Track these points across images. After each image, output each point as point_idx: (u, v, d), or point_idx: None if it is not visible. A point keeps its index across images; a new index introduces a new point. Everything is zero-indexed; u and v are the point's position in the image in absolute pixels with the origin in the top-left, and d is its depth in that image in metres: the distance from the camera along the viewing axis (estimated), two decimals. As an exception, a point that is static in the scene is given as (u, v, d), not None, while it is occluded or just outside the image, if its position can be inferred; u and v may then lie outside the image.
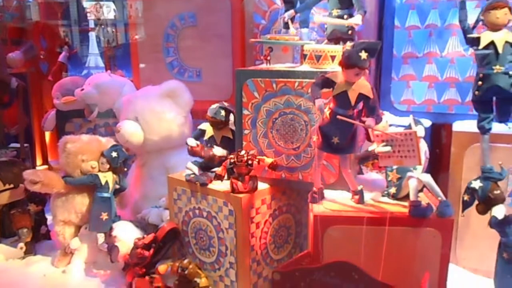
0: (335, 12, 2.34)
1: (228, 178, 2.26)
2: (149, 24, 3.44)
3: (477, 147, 2.40)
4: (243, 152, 2.23)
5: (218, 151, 2.42)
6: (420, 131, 1.96)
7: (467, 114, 2.64)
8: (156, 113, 2.92)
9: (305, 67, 2.24)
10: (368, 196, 2.13)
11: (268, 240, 2.35)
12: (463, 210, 2.10)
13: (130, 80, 3.56)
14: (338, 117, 1.85)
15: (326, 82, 1.89)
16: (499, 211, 1.95)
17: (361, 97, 1.86)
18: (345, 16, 2.33)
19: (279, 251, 2.44)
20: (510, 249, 1.94)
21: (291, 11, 2.44)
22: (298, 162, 2.25)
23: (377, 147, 1.93)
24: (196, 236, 2.43)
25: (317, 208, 2.04)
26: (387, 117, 2.25)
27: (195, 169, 2.39)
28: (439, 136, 2.72)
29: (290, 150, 2.26)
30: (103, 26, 4.18)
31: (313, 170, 2.11)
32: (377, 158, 1.98)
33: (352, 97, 1.85)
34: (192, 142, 2.42)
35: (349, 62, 1.81)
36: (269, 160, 2.23)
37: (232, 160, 2.23)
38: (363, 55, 1.78)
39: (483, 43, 2.07)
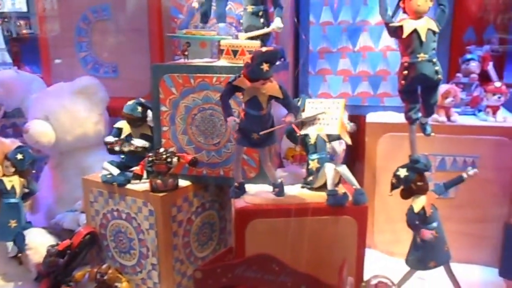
0: (250, 8, 2.33)
1: (148, 177, 2.20)
2: (59, 17, 3.23)
3: (389, 136, 2.54)
4: (162, 150, 2.17)
5: (139, 142, 2.33)
6: (349, 124, 2.07)
7: (379, 106, 2.79)
8: (69, 112, 2.77)
9: (223, 62, 2.22)
10: (289, 188, 2.18)
11: (191, 238, 2.32)
12: (391, 190, 2.11)
13: (40, 76, 3.32)
14: (260, 134, 1.89)
15: (235, 89, 1.90)
16: (418, 205, 2.03)
17: (272, 98, 1.88)
18: (260, 13, 2.32)
19: (203, 248, 2.41)
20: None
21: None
22: (219, 157, 2.24)
23: (305, 112, 1.99)
24: (116, 239, 2.33)
25: (239, 203, 2.04)
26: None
27: (112, 169, 2.29)
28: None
29: (211, 146, 2.24)
30: (6, 19, 3.85)
31: (233, 165, 2.11)
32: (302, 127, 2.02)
33: (263, 100, 1.86)
34: (109, 139, 2.33)
35: (253, 77, 1.81)
36: (189, 157, 2.20)
37: (151, 159, 2.16)
38: (265, 67, 1.78)
39: (406, 31, 1.96)
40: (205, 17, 2.51)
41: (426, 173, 2.07)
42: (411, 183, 2.03)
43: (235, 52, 2.18)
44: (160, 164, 2.13)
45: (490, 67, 2.81)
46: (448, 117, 2.51)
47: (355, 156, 2.81)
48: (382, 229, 2.64)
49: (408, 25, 1.96)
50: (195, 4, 2.50)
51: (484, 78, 2.75)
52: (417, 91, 2.07)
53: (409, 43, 1.97)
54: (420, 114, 2.09)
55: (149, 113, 2.38)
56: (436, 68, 1.98)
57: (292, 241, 2.02)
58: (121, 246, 2.32)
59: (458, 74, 2.69)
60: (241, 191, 2.10)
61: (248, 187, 2.16)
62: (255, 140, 1.95)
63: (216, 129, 2.21)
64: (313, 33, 2.82)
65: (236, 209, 1.99)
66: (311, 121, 2.00)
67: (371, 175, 2.61)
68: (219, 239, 2.51)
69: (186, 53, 2.35)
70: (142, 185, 2.21)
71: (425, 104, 2.08)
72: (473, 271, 2.43)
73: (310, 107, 2.03)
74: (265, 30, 2.32)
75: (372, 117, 2.66)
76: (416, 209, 2.02)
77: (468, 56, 2.73)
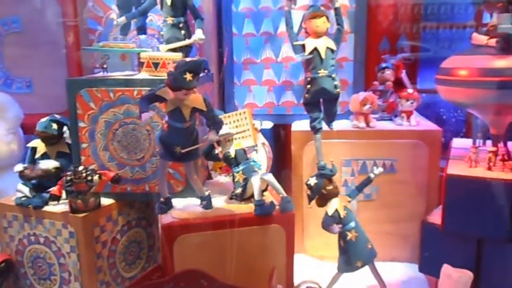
0: (170, 20, 2.31)
1: (67, 198, 2.08)
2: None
3: (314, 144, 2.61)
4: (81, 168, 2.07)
5: (46, 164, 2.18)
6: (257, 124, 2.08)
7: (303, 114, 2.85)
8: (-22, 131, 2.56)
9: (144, 75, 2.17)
10: (218, 200, 2.16)
11: (117, 259, 2.22)
12: (309, 203, 2.22)
13: None
14: (183, 151, 1.86)
15: (157, 98, 1.86)
16: (331, 208, 2.12)
17: (195, 110, 1.87)
18: (181, 24, 2.32)
19: (131, 268, 2.32)
20: (344, 238, 2.14)
21: (122, 18, 2.35)
22: (143, 173, 2.17)
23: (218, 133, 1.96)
24: (34, 266, 2.17)
25: (165, 219, 2.00)
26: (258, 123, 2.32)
27: (27, 191, 2.14)
28: (281, 136, 2.89)
29: (134, 161, 2.17)
30: None
31: (158, 180, 2.05)
32: (220, 145, 2.03)
33: (186, 112, 1.85)
34: (18, 167, 2.17)
35: (175, 86, 1.80)
36: (111, 174, 2.11)
37: (69, 178, 2.05)
38: (188, 76, 1.78)
39: (308, 49, 2.19)
40: (124, 29, 2.45)
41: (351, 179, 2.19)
42: (321, 189, 2.12)
43: (156, 65, 2.14)
44: (79, 183, 2.03)
45: (403, 75, 3.00)
46: (367, 123, 2.62)
47: (283, 164, 2.86)
48: (311, 234, 2.69)
49: (310, 44, 2.20)
50: (114, 16, 2.43)
51: (399, 85, 2.92)
52: (320, 103, 2.29)
53: (311, 60, 2.20)
54: (323, 124, 2.32)
55: (66, 129, 2.26)
56: (335, 82, 2.23)
57: (221, 253, 2.01)
58: (40, 272, 2.17)
59: (375, 82, 2.84)
60: (167, 206, 2.05)
61: (176, 201, 2.12)
62: (178, 154, 1.91)
63: (139, 144, 2.15)
64: (237, 45, 2.85)
65: (163, 225, 1.95)
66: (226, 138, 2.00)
67: (299, 182, 2.65)
68: (148, 257, 2.43)
69: (104, 66, 2.27)
70: (61, 206, 2.09)
71: (326, 114, 2.32)
72: (397, 269, 2.54)
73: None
74: (186, 41, 2.30)
75: (297, 126, 2.72)
76: (330, 212, 2.11)
77: (383, 64, 2.89)
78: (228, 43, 2.84)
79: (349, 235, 2.12)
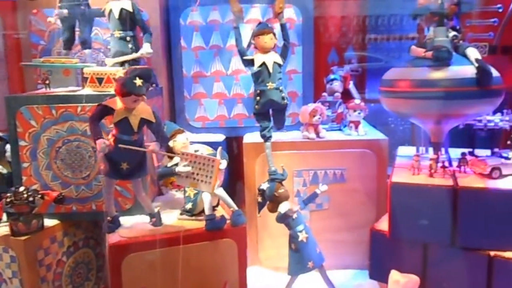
0: (117, 33, 2.28)
1: (7, 220, 1.98)
2: None
3: (265, 155, 2.62)
4: (22, 189, 1.98)
5: None
6: (223, 165, 2.02)
7: (255, 126, 2.87)
8: None
9: (87, 90, 2.12)
10: (169, 216, 2.13)
11: (63, 282, 2.14)
12: (258, 211, 2.28)
13: None
14: (120, 146, 1.80)
15: (105, 110, 1.82)
16: (283, 207, 2.21)
17: (144, 121, 1.84)
18: (128, 38, 2.28)
19: (79, 290, 2.24)
20: (295, 239, 2.19)
21: (65, 11, 2.29)
22: (89, 191, 2.11)
23: (178, 166, 1.93)
24: (-28, 294, 2.05)
25: (113, 238, 1.94)
26: (187, 135, 2.29)
27: (-37, 215, 2.03)
28: (233, 148, 2.89)
29: (80, 180, 2.10)
30: None
31: (104, 199, 2.00)
32: (175, 175, 1.98)
33: (134, 123, 1.82)
34: None
35: (124, 90, 1.77)
36: (54, 194, 2.03)
37: (9, 199, 1.96)
38: (138, 82, 1.77)
39: (257, 64, 2.33)
40: (68, 44, 2.39)
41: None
42: (274, 192, 2.21)
43: (100, 80, 2.09)
44: (20, 204, 1.95)
45: (351, 86, 3.09)
46: (317, 133, 2.67)
47: (236, 177, 2.86)
48: (266, 246, 2.70)
49: (258, 58, 2.35)
50: (51, 19, 2.33)
51: (347, 95, 3.00)
52: (269, 113, 2.45)
53: (260, 74, 2.36)
54: (272, 133, 2.47)
55: (8, 147, 2.17)
56: (283, 94, 2.41)
57: (172, 271, 1.96)
58: (-21, 301, 2.05)
59: (324, 93, 2.90)
60: (115, 225, 2.00)
61: (124, 219, 2.06)
62: (125, 172, 1.87)
63: (84, 162, 2.09)
64: (186, 58, 2.83)
65: (109, 245, 1.89)
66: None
67: (252, 194, 2.65)
68: (97, 278, 2.35)
69: (47, 82, 2.20)
70: (1, 229, 1.99)
71: (276, 122, 2.50)
72: (350, 276, 2.59)
73: (185, 159, 1.93)
74: (134, 55, 2.27)
75: (248, 138, 2.73)
76: (283, 210, 2.20)
77: (331, 76, 2.97)
78: (177, 56, 2.82)
79: (301, 236, 2.20)
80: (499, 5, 2.92)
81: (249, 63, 2.36)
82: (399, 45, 3.19)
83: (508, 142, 2.23)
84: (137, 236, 1.96)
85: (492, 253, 1.94)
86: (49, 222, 2.07)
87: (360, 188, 2.62)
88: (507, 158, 2.09)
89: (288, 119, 2.67)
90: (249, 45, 2.35)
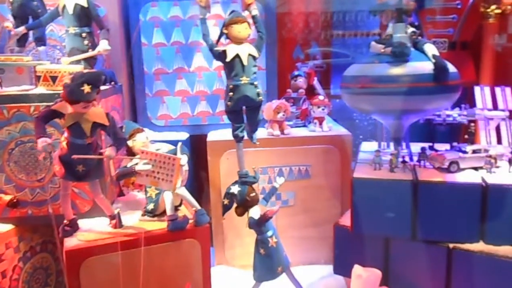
0: (72, 30, 2.21)
1: (-44, 227, 1.89)
2: None
3: (230, 153, 2.60)
4: (-28, 193, 1.89)
5: None
6: (183, 160, 1.96)
7: (219, 124, 2.84)
8: None
9: (41, 89, 2.04)
10: (131, 218, 2.08)
11: (20, 288, 2.06)
12: (223, 214, 2.23)
13: None
14: (74, 156, 1.74)
15: (54, 114, 1.76)
16: (255, 212, 2.14)
17: (97, 125, 1.78)
18: (84, 34, 2.21)
19: (37, 297, 2.16)
20: (265, 245, 2.14)
21: (22, 28, 2.21)
22: (45, 194, 2.04)
23: (138, 165, 1.88)
24: None
25: (70, 242, 1.87)
26: (147, 134, 2.23)
27: None
28: (197, 146, 2.85)
29: (35, 183, 2.02)
30: None
31: (61, 201, 1.93)
32: (135, 174, 1.93)
33: (86, 127, 1.76)
34: None
35: (72, 98, 1.71)
36: (7, 198, 1.95)
37: (-42, 205, 1.87)
38: (86, 88, 1.70)
39: (229, 56, 2.08)
40: (21, 41, 2.30)
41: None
42: (245, 196, 2.13)
43: (53, 78, 2.01)
44: (-30, 210, 1.86)
45: (315, 82, 3.10)
46: (282, 130, 2.67)
47: (200, 175, 2.83)
48: (232, 244, 2.68)
49: (231, 50, 2.08)
50: (9, 25, 2.26)
51: (311, 92, 3.01)
52: (242, 111, 2.19)
53: (233, 67, 2.09)
54: (245, 132, 2.22)
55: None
56: (258, 90, 2.14)
57: (134, 274, 1.91)
58: None
59: (289, 90, 2.89)
60: (72, 228, 1.93)
61: (83, 222, 2.00)
62: (81, 173, 1.81)
63: (39, 164, 2.01)
64: (147, 55, 2.77)
65: (66, 250, 1.82)
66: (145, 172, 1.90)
67: (217, 192, 2.63)
68: (56, 283, 2.27)
69: (-1, 80, 2.10)
70: (-51, 238, 1.90)
71: (249, 122, 2.22)
72: (316, 272, 2.60)
73: (145, 157, 1.87)
74: (90, 53, 2.20)
75: (213, 136, 2.70)
76: (256, 216, 2.13)
77: (296, 72, 2.97)
78: (137, 53, 2.75)
79: (271, 242, 2.15)
80: (458, 2, 2.99)
81: (221, 55, 2.09)
82: (366, 40, 3.21)
83: (466, 136, 2.28)
84: (95, 239, 1.90)
85: (451, 245, 1.98)
86: (3, 227, 1.99)
87: (325, 184, 2.63)
88: (465, 152, 2.14)
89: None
90: (219, 38, 2.13)
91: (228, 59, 2.07)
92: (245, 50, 2.10)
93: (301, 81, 2.93)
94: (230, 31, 2.10)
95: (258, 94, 2.14)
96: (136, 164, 1.90)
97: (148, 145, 2.12)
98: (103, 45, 2.19)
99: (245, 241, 2.54)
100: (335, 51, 3.46)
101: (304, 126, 2.84)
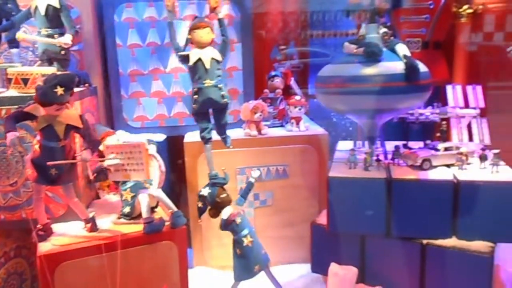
0: (44, 31, 2.18)
1: None
2: None
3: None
4: None
5: None
6: (151, 149, 1.97)
7: (196, 125, 2.82)
8: None
9: (12, 92, 2.00)
10: (105, 221, 2.06)
11: (-7, 295, 2.02)
12: (199, 216, 2.24)
13: None
14: (48, 163, 1.72)
15: (26, 116, 1.73)
16: (226, 213, 2.16)
17: (70, 127, 1.76)
18: (55, 36, 2.18)
19: (11, 303, 2.12)
20: (240, 245, 2.15)
21: None
22: (18, 199, 2.00)
23: (106, 161, 1.85)
24: None
25: (43, 247, 1.85)
26: (119, 136, 2.21)
27: None
28: (174, 148, 2.83)
29: (7, 187, 1.99)
30: None
31: (34, 206, 1.90)
32: (105, 172, 1.91)
33: (60, 130, 1.74)
34: None
35: (45, 100, 1.69)
36: (-22, 203, 1.91)
37: None
38: (59, 90, 1.68)
39: (192, 60, 2.16)
40: (14, 43, 2.27)
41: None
42: (216, 197, 2.15)
43: (25, 81, 1.98)
44: None
45: (292, 82, 3.11)
46: (259, 130, 2.67)
47: (178, 177, 2.81)
48: (211, 245, 2.68)
49: (194, 54, 2.18)
50: None
51: (288, 92, 3.03)
52: (208, 113, 2.27)
53: (196, 70, 2.18)
54: (212, 134, 2.28)
55: None
56: (222, 93, 2.21)
57: (110, 278, 1.90)
58: None
59: (266, 90, 2.90)
60: (46, 233, 1.90)
61: (57, 226, 1.98)
62: (54, 177, 1.79)
63: (11, 168, 1.98)
64: (122, 56, 2.73)
65: (39, 255, 1.79)
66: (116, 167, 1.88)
67: (195, 194, 2.60)
68: (31, 289, 2.24)
69: (-32, 84, 2.06)
70: None
71: (216, 124, 2.30)
72: (295, 271, 2.61)
73: (110, 151, 1.85)
74: (49, 40, 2.16)
75: (190, 137, 2.69)
76: (226, 216, 2.14)
77: (273, 73, 2.99)
78: (112, 54, 2.72)
79: (245, 241, 2.15)
80: (430, 2, 3.05)
81: (185, 59, 2.18)
82: (346, 40, 3.23)
83: (438, 134, 2.33)
84: (70, 243, 1.88)
85: (424, 241, 2.03)
86: (-27, 234, 1.95)
87: (303, 183, 2.65)
88: (437, 149, 2.19)
89: (230, 117, 2.62)
90: (187, 42, 2.19)
91: (191, 63, 2.17)
92: (208, 54, 2.18)
93: (278, 81, 2.94)
94: (193, 36, 2.18)
95: (223, 96, 2.21)
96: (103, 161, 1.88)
97: None
98: (65, 39, 2.17)
99: (223, 241, 2.54)
100: (313, 51, 3.48)
101: (282, 126, 2.86)
